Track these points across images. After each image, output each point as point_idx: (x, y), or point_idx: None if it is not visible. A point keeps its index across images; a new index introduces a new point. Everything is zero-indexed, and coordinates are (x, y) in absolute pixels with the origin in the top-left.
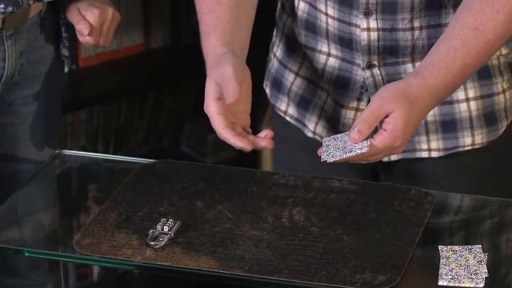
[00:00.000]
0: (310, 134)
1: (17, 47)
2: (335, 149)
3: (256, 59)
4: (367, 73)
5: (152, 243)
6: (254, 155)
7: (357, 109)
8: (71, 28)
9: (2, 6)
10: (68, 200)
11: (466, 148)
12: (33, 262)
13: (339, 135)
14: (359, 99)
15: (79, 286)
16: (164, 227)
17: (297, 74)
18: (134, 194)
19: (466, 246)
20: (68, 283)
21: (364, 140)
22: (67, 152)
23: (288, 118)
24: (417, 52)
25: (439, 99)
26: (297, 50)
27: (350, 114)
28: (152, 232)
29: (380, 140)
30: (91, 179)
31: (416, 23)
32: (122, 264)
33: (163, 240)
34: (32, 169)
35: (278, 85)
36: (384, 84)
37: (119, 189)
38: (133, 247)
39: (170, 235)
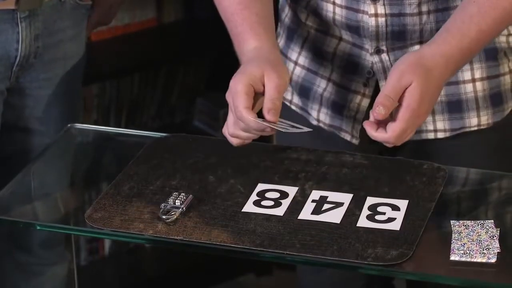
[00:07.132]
0: (314, 122)
1: (33, 29)
2: None
3: None
4: (376, 58)
5: (164, 217)
6: None
7: (363, 94)
8: None
9: None
10: (80, 174)
11: (472, 129)
12: (48, 240)
13: None
14: (365, 85)
15: (90, 261)
16: (176, 201)
17: (296, 63)
18: (146, 168)
19: (478, 221)
20: (80, 257)
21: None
22: (79, 126)
23: (293, 107)
24: (426, 36)
25: (456, 67)
26: (295, 40)
27: (356, 98)
28: (164, 206)
29: (399, 116)
30: (103, 153)
31: (424, 8)
32: (133, 238)
33: (175, 214)
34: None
35: None
36: None
37: (131, 163)
38: (145, 221)
39: (182, 209)
